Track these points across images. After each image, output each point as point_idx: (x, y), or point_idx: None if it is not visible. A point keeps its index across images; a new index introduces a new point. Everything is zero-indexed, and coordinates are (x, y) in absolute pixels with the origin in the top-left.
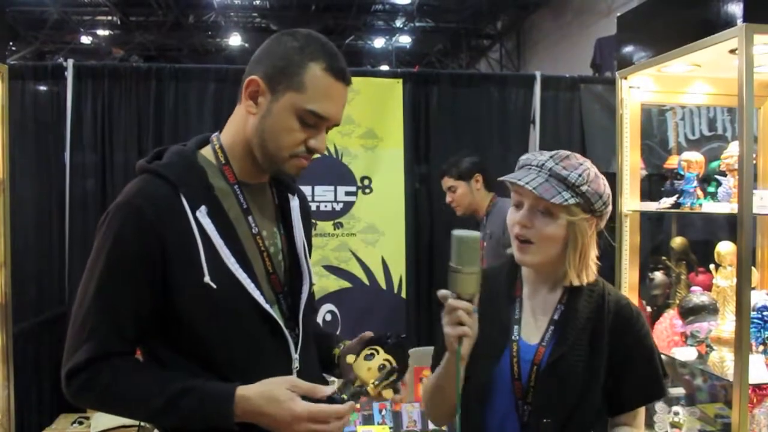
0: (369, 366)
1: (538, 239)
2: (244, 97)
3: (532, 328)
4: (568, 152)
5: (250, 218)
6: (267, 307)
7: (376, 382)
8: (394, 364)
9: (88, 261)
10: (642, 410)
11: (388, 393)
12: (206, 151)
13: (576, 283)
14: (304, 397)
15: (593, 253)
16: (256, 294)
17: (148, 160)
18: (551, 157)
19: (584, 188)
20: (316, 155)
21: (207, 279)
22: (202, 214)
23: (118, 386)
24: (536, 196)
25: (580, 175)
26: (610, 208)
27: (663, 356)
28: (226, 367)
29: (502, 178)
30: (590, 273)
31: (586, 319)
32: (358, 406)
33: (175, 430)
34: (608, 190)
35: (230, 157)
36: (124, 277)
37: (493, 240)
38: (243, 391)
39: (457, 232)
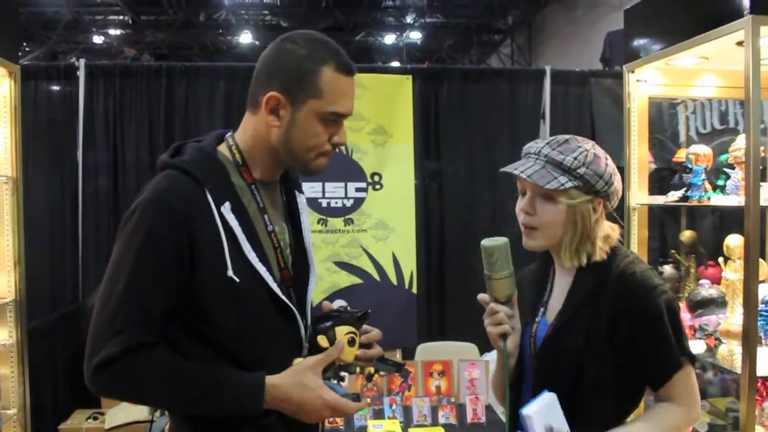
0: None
1: (541, 225)
2: (264, 112)
3: (557, 308)
4: (569, 136)
5: (266, 216)
6: (285, 299)
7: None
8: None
9: (114, 254)
10: (682, 381)
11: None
12: (223, 149)
13: (568, 264)
14: None
15: (601, 233)
16: (275, 286)
17: (170, 155)
18: (548, 143)
19: (582, 170)
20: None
21: (230, 273)
22: (226, 209)
23: (153, 378)
24: (533, 183)
25: (575, 158)
26: (616, 186)
27: None
28: (244, 354)
29: (502, 169)
30: (597, 252)
31: (587, 293)
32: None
33: (196, 417)
34: (610, 170)
35: (248, 159)
36: (155, 272)
37: None
38: (271, 380)
39: (484, 242)
